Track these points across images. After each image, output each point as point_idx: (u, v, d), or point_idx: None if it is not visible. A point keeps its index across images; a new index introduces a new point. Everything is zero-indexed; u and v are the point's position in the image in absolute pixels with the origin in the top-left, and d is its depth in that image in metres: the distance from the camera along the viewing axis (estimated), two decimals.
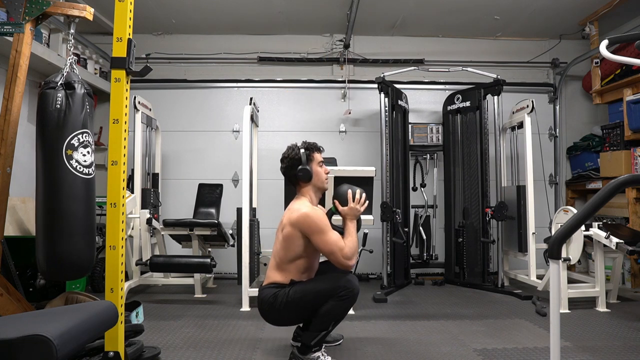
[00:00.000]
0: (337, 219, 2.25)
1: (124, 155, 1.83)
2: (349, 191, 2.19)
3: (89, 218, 1.95)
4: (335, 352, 2.30)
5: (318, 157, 2.26)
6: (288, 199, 3.26)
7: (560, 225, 2.36)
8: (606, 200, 1.11)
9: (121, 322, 1.74)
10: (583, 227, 3.15)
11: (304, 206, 2.12)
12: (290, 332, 2.48)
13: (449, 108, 4.45)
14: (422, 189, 4.64)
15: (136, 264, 3.54)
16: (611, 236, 3.02)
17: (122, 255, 1.79)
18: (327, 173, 2.30)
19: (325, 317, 2.03)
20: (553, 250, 1.17)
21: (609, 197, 1.11)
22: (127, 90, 1.84)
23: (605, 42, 1.51)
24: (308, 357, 2.08)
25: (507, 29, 4.68)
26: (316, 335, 2.05)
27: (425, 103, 4.80)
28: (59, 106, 1.93)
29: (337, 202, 2.22)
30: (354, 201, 2.18)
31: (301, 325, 2.35)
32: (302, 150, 2.21)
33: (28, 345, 0.98)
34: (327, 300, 2.02)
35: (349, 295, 2.02)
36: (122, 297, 1.79)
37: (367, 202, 2.24)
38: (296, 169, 2.19)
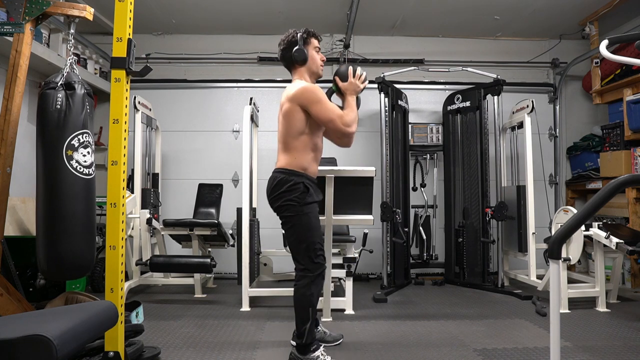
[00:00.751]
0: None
1: (124, 155, 1.83)
2: (350, 67, 2.24)
3: (89, 218, 1.96)
4: (335, 352, 2.30)
5: (315, 42, 2.28)
6: None
7: (560, 225, 2.36)
8: (606, 200, 1.11)
9: (121, 322, 1.74)
10: (583, 227, 3.15)
11: (301, 83, 2.17)
12: (290, 331, 2.48)
13: (449, 108, 4.45)
14: (422, 189, 4.64)
15: (136, 264, 3.54)
16: (611, 236, 3.02)
17: (122, 255, 1.79)
18: (323, 61, 2.31)
19: (299, 307, 2.09)
20: (553, 250, 1.17)
21: (609, 197, 1.11)
22: (127, 90, 1.84)
23: (605, 42, 1.51)
24: (307, 357, 2.08)
25: (507, 29, 4.68)
26: (303, 331, 2.08)
27: (425, 103, 4.80)
28: (59, 106, 1.93)
29: (337, 78, 2.26)
30: (354, 77, 2.23)
31: None
32: (299, 34, 2.23)
33: (28, 345, 0.98)
34: (299, 250, 2.13)
35: (314, 277, 2.09)
36: (122, 297, 1.79)
37: (367, 80, 2.29)
38: (292, 50, 2.22)
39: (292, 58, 2.23)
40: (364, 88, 2.28)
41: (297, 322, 2.12)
